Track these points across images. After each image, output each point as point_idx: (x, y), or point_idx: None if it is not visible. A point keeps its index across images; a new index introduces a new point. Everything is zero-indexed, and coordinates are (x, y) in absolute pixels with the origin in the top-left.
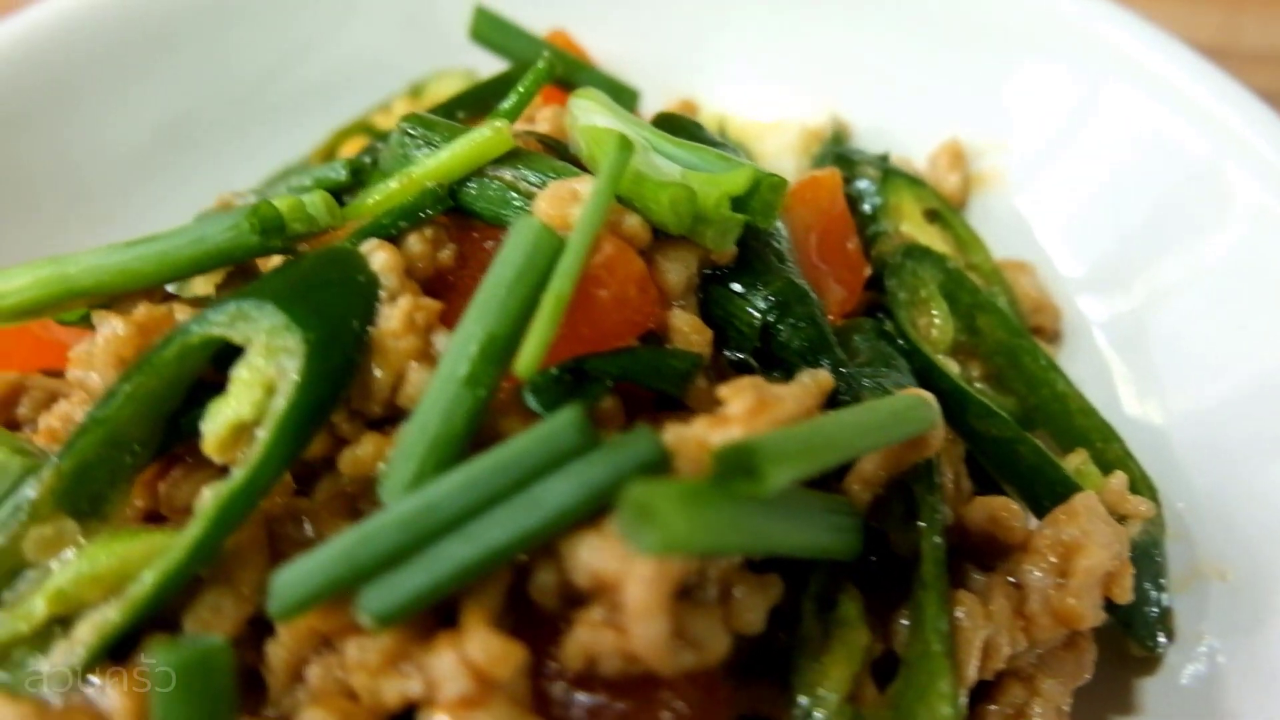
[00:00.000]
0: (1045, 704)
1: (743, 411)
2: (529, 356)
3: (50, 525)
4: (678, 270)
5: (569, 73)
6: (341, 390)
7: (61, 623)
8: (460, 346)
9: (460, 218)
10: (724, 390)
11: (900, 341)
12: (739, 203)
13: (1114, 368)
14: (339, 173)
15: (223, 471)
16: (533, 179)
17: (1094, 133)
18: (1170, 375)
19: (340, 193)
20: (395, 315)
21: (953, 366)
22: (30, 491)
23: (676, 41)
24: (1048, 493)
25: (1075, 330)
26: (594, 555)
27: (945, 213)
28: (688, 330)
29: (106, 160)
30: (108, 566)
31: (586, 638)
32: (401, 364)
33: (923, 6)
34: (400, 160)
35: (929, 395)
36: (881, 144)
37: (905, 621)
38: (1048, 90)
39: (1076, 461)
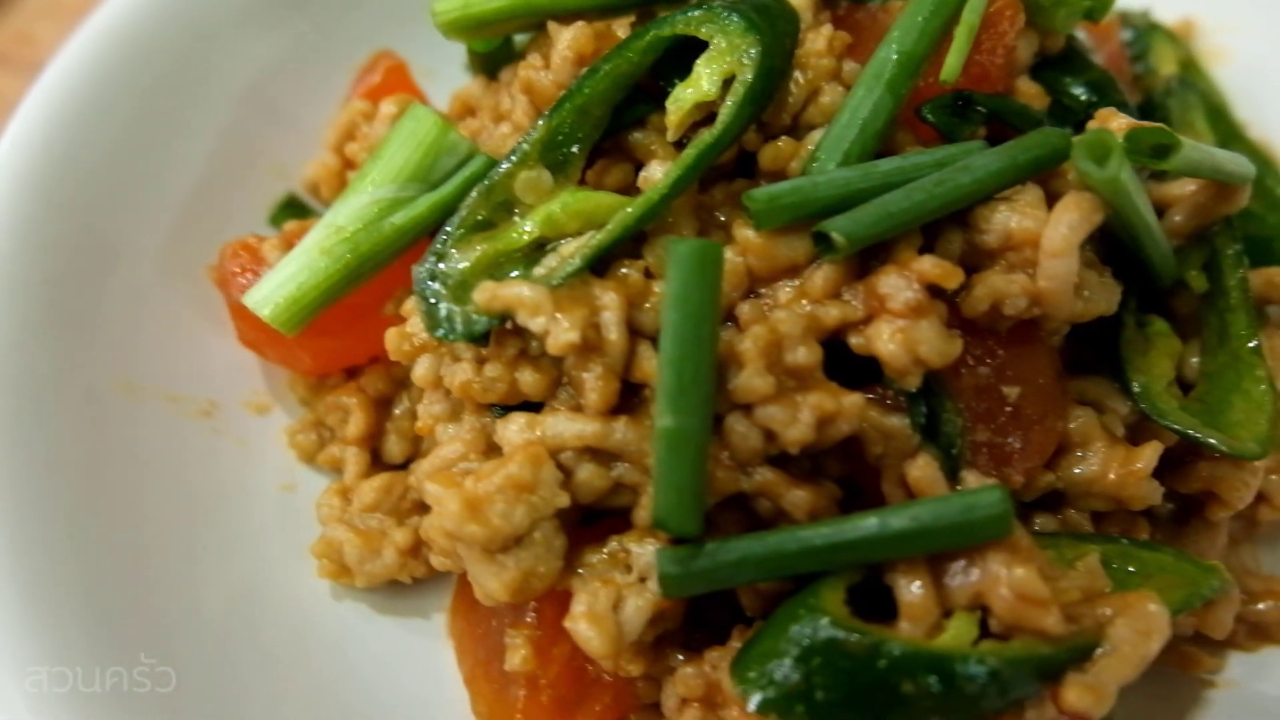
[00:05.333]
0: None
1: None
2: (951, 67)
3: (535, 171)
4: (1025, 47)
5: None
6: (775, 89)
7: (539, 247)
8: (883, 58)
9: None
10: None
11: None
12: None
13: None
14: None
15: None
16: None
17: None
18: None
19: None
20: (820, 38)
21: None
22: (524, 144)
23: None
24: None
25: None
26: (1010, 217)
27: (1196, 66)
28: (1031, 94)
29: None
30: (585, 204)
31: (999, 283)
32: (818, 81)
33: None
34: None
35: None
36: None
37: (1194, 360)
38: None
39: None
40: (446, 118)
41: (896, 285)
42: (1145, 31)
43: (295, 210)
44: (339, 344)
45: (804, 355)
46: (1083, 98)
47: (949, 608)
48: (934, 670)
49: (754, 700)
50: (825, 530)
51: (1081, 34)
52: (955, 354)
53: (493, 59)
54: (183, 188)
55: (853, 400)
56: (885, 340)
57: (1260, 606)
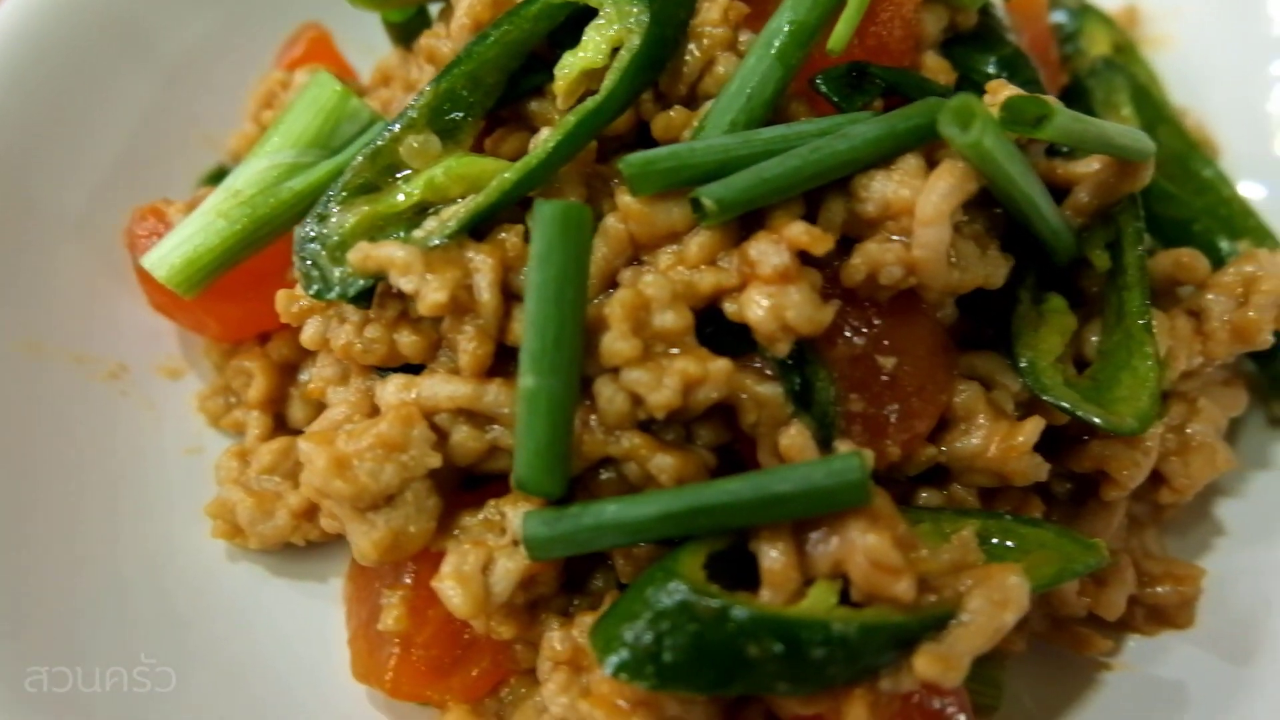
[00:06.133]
0: (1205, 421)
1: (1015, 91)
2: (840, 36)
3: (422, 135)
4: (933, 22)
5: None
6: (667, 57)
7: (422, 211)
8: (775, 28)
9: None
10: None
11: None
12: None
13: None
14: None
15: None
16: None
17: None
18: None
19: None
20: (715, 8)
21: None
22: (411, 110)
23: None
24: (1217, 264)
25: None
26: (886, 184)
27: (1131, 50)
28: (937, 69)
29: None
30: (470, 169)
31: (874, 251)
32: (713, 50)
33: None
34: None
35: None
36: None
37: (1095, 338)
38: None
39: (1241, 248)
40: (361, 87)
41: (765, 251)
42: (1078, 14)
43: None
44: (243, 310)
45: (671, 320)
46: (992, 74)
47: (811, 575)
48: (777, 634)
49: (609, 663)
50: (685, 494)
51: (1003, 13)
52: (825, 322)
53: (408, 29)
54: (111, 154)
55: (719, 366)
56: (754, 306)
57: (1159, 590)
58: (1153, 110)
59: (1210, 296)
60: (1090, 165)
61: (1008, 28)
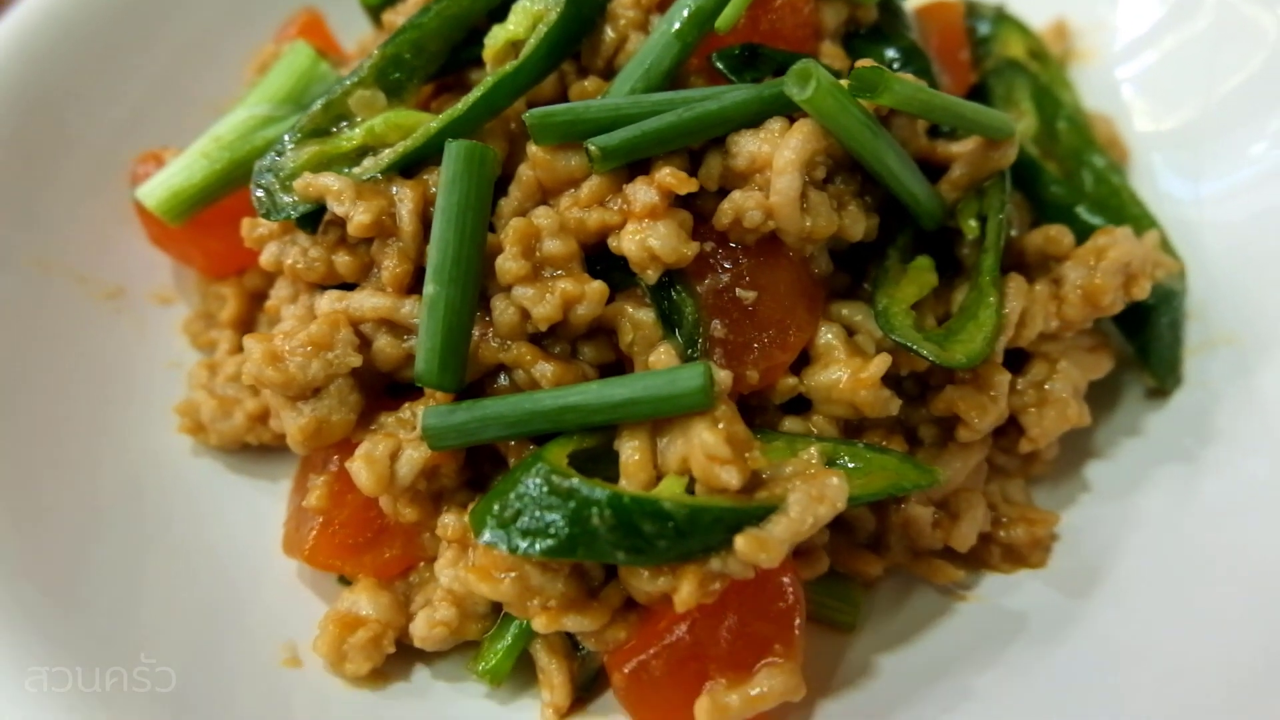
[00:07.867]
0: (1063, 380)
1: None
2: (728, 16)
3: (369, 91)
4: (832, 15)
5: None
6: (584, 33)
7: (364, 153)
8: (676, 10)
9: None
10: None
11: None
12: None
13: (1167, 195)
14: None
15: None
16: None
17: (1185, 18)
18: (1212, 198)
19: None
20: None
21: (1032, 149)
22: (362, 68)
23: None
24: None
25: (1138, 170)
26: (753, 141)
27: (1045, 56)
28: (833, 55)
29: None
30: (406, 120)
31: (739, 198)
32: (626, 30)
33: None
34: None
35: (1009, 117)
36: None
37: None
38: None
39: None
40: (342, 56)
41: (639, 190)
42: (994, 21)
43: None
44: (224, 245)
45: (558, 247)
46: (887, 59)
47: (663, 471)
48: (614, 508)
49: (483, 535)
50: (556, 394)
51: (911, 16)
52: (688, 254)
53: (383, 9)
54: (131, 110)
55: (595, 287)
56: (628, 238)
57: (1015, 531)
58: (1053, 108)
59: (1068, 265)
60: (966, 145)
61: (909, 25)
